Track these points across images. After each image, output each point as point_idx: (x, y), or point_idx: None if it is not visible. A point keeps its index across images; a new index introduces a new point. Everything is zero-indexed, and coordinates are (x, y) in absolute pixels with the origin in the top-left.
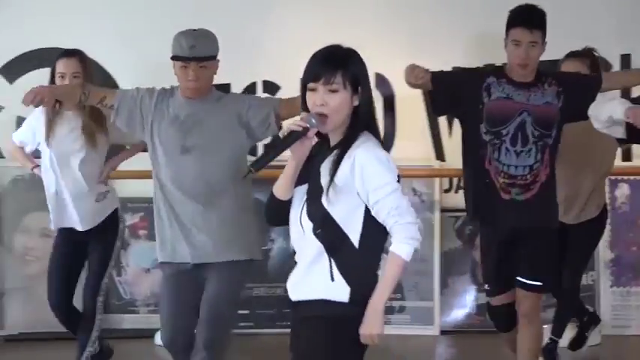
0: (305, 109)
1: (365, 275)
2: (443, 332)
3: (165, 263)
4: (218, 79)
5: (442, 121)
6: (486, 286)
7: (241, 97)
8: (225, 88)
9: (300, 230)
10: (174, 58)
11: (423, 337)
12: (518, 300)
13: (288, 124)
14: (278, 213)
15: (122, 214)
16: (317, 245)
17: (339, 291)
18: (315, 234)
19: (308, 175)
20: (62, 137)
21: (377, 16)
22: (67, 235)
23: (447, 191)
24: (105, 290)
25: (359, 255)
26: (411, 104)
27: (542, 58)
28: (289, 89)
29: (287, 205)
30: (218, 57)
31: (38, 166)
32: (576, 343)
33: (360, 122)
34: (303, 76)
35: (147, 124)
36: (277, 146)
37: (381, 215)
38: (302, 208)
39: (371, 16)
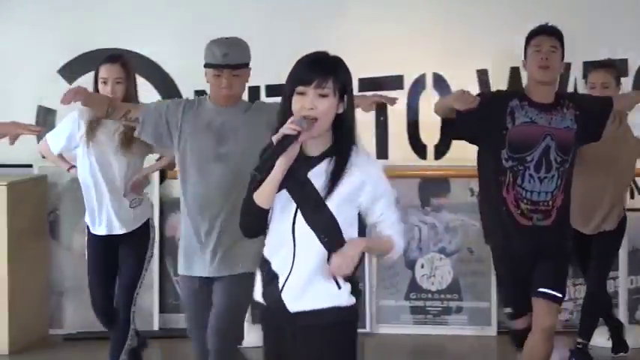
0: (288, 114)
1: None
2: (500, 332)
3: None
4: (276, 80)
5: None
6: (507, 309)
7: (266, 106)
8: (279, 89)
9: (290, 239)
10: (207, 65)
11: (481, 338)
12: (539, 313)
13: (281, 129)
14: (258, 222)
15: (153, 224)
16: (322, 253)
17: (347, 296)
18: (323, 242)
19: (286, 182)
20: (102, 142)
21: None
22: (99, 239)
23: None
24: (137, 301)
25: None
26: None
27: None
28: None
29: (267, 213)
30: (250, 65)
31: (74, 166)
32: (618, 347)
33: (346, 130)
34: (292, 79)
35: (175, 133)
36: (275, 151)
37: (382, 225)
38: (294, 216)
39: (428, 16)
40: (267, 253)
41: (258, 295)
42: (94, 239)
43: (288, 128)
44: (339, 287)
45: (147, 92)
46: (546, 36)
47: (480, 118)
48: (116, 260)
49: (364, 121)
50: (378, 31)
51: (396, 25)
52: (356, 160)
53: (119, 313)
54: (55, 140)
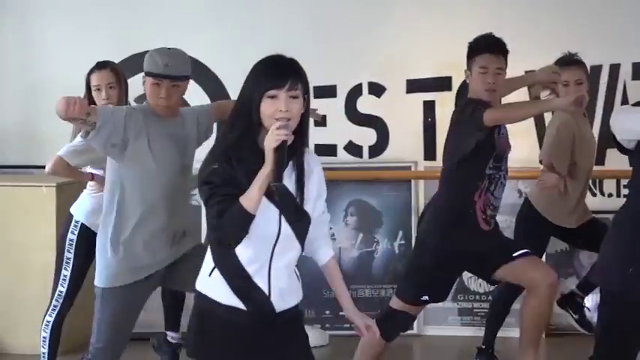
0: (255, 117)
1: None
2: (548, 335)
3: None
4: (325, 81)
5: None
6: (425, 297)
7: (189, 110)
8: (331, 90)
9: (272, 243)
10: (148, 74)
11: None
12: (537, 269)
13: (274, 135)
14: (246, 229)
15: None
16: (298, 250)
17: (301, 288)
18: (302, 243)
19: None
20: None
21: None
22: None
23: None
24: None
25: None
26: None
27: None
28: (395, 90)
29: (252, 219)
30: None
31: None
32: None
33: (304, 132)
34: (261, 83)
35: (132, 143)
36: (280, 157)
37: (321, 226)
38: (279, 225)
39: (475, 18)
40: (243, 259)
41: (227, 297)
42: (85, 233)
43: (283, 134)
44: (299, 279)
45: (197, 97)
46: (494, 56)
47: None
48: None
49: (412, 123)
50: (425, 32)
51: (444, 26)
52: (309, 159)
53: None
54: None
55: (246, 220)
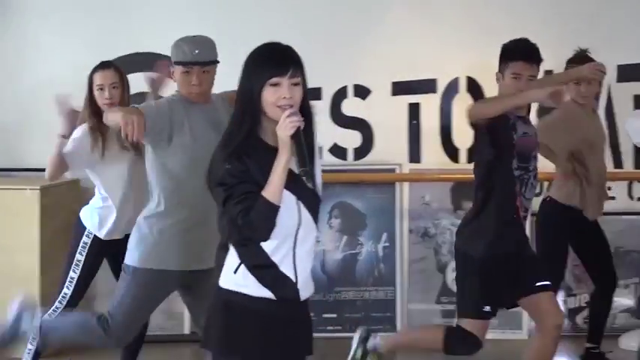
0: (257, 107)
1: None
2: (532, 336)
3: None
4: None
5: None
6: (487, 308)
7: (217, 95)
8: (316, 92)
9: (294, 231)
10: (177, 63)
11: (511, 342)
12: (548, 309)
13: (288, 123)
14: (274, 221)
15: None
16: (316, 234)
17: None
18: (317, 227)
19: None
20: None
21: (466, 20)
22: (104, 244)
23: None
24: None
25: None
26: None
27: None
28: (380, 93)
29: (278, 210)
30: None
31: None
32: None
33: (307, 119)
34: (262, 71)
35: (177, 134)
36: (300, 143)
37: None
38: (299, 212)
39: (461, 21)
40: (268, 250)
41: (255, 289)
42: (99, 242)
43: (295, 121)
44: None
45: None
46: (527, 64)
47: (494, 132)
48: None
49: (397, 125)
50: (411, 35)
51: (429, 29)
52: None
53: None
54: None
55: (273, 212)
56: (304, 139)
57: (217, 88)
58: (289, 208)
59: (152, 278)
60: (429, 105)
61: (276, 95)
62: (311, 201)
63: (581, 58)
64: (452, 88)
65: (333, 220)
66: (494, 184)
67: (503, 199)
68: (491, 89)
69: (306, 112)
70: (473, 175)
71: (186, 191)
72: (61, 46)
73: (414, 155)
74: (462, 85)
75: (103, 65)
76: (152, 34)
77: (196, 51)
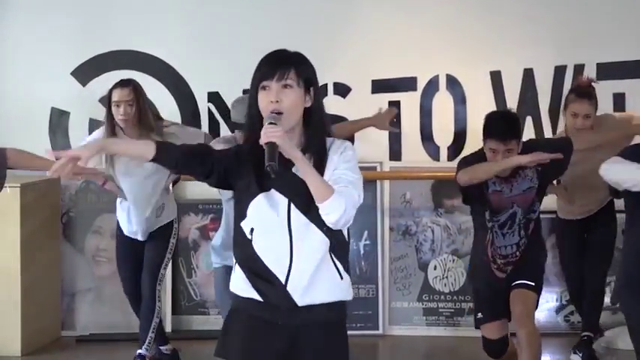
0: (255, 113)
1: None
2: (513, 334)
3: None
4: None
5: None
6: (479, 314)
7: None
8: None
9: (286, 234)
10: (235, 126)
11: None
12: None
13: (264, 133)
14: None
15: (176, 218)
16: (325, 242)
17: (347, 289)
18: (324, 231)
19: (273, 183)
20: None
21: (446, 18)
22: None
23: None
24: (162, 280)
25: (347, 246)
26: None
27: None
28: (360, 91)
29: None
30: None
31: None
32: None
33: (316, 124)
34: (255, 77)
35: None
36: (270, 150)
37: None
38: (288, 210)
39: (440, 18)
40: (258, 251)
41: (246, 290)
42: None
43: (270, 135)
44: (342, 277)
45: (160, 94)
46: (502, 143)
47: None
48: (142, 249)
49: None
50: (391, 33)
51: (409, 27)
52: (333, 149)
53: (147, 287)
54: None
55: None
56: (313, 149)
57: (205, 84)
58: (276, 208)
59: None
60: (410, 103)
61: (265, 99)
62: (307, 205)
63: (580, 93)
64: (432, 86)
65: None
66: (474, 226)
67: (477, 242)
68: (470, 87)
69: (313, 120)
70: (453, 174)
71: None
72: (37, 44)
73: (395, 153)
74: (442, 82)
75: (122, 83)
76: (126, 32)
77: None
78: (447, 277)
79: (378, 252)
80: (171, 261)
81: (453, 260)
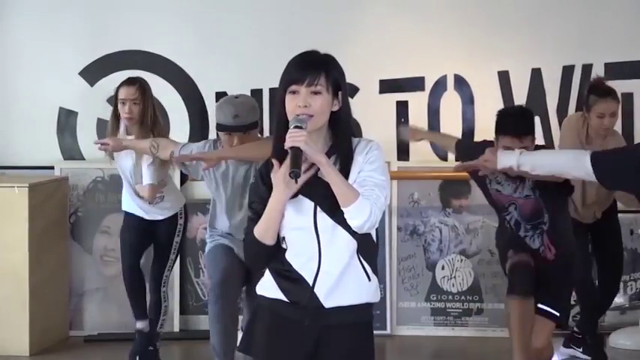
0: (282, 116)
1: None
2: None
3: None
4: None
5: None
6: (510, 252)
7: None
8: None
9: (314, 237)
10: (219, 127)
11: (501, 340)
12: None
13: (289, 138)
14: (268, 258)
15: (182, 212)
16: (352, 244)
17: (375, 291)
18: (352, 234)
19: (299, 189)
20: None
21: (453, 18)
22: (133, 219)
23: None
24: (166, 283)
25: (375, 247)
26: None
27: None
28: (368, 91)
29: (274, 247)
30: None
31: None
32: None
33: (343, 127)
34: (284, 79)
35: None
36: (294, 156)
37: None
38: (314, 214)
39: (448, 18)
40: (288, 256)
41: (272, 291)
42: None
43: (296, 139)
44: (369, 279)
45: (168, 94)
46: (517, 139)
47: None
48: (146, 238)
49: (385, 123)
50: (399, 32)
51: (416, 27)
52: (357, 150)
53: (143, 284)
54: None
55: (266, 251)
56: (338, 154)
57: (213, 84)
58: (302, 212)
59: None
60: (417, 103)
61: (294, 103)
62: (333, 208)
63: (603, 92)
64: (440, 86)
65: None
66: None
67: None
68: (478, 87)
69: (339, 125)
70: (461, 173)
71: None
72: (43, 44)
73: (403, 153)
74: (450, 82)
75: (129, 81)
76: (135, 32)
77: (236, 115)
78: (454, 277)
79: (385, 252)
80: (177, 261)
81: (461, 260)
